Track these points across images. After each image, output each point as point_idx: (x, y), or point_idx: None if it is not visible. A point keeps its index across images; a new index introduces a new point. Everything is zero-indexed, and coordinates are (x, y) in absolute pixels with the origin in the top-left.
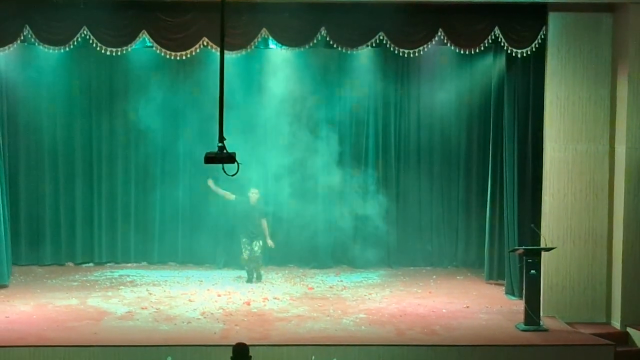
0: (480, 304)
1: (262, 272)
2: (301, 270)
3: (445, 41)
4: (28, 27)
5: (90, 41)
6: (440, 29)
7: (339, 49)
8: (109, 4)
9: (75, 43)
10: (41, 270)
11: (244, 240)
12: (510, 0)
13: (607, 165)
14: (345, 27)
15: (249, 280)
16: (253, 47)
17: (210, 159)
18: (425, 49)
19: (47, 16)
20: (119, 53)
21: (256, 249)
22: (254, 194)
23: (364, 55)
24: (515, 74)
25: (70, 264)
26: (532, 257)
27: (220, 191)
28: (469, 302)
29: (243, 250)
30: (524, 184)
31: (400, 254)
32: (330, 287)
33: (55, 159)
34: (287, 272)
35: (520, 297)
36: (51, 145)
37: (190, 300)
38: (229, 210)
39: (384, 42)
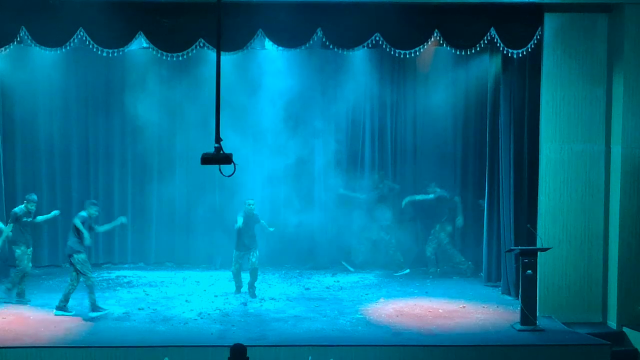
0: (477, 304)
1: (256, 287)
2: (298, 271)
3: (441, 42)
4: (24, 29)
5: (87, 42)
6: (436, 30)
7: (335, 49)
8: (105, 5)
9: (72, 44)
10: (38, 272)
11: (236, 253)
12: (506, 1)
13: (603, 166)
14: (341, 28)
15: (237, 291)
16: (249, 48)
17: (207, 159)
18: (422, 50)
19: (43, 18)
20: (115, 54)
21: (254, 259)
22: (250, 205)
23: (360, 56)
24: (511, 74)
25: (67, 265)
26: (529, 257)
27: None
28: (465, 302)
29: (234, 263)
30: (520, 184)
31: (398, 254)
32: (327, 288)
33: (52, 162)
34: (283, 272)
35: (517, 297)
36: (48, 147)
37: (187, 301)
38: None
39: (380, 43)
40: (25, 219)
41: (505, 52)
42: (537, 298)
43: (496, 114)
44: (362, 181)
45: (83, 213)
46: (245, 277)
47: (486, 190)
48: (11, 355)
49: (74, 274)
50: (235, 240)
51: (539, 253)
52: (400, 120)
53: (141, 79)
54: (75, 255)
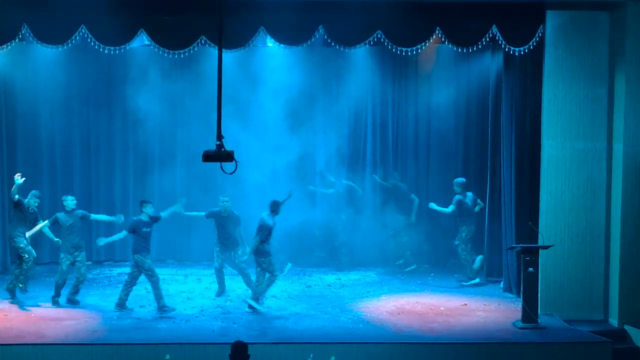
0: (478, 301)
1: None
2: (299, 268)
3: (443, 39)
4: (26, 26)
5: (89, 40)
6: (437, 27)
7: (337, 47)
8: (107, 2)
9: (74, 41)
10: (40, 269)
11: (217, 248)
12: None
13: (604, 163)
14: (343, 26)
15: (219, 294)
16: (251, 45)
17: (208, 157)
18: (423, 48)
19: (45, 15)
20: (116, 51)
21: (237, 261)
22: (224, 202)
23: (361, 53)
24: (513, 72)
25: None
26: (530, 255)
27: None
28: (466, 300)
29: (216, 258)
30: (522, 182)
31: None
32: (328, 285)
33: (53, 157)
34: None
35: (518, 294)
36: (49, 142)
37: (188, 299)
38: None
39: (382, 40)
40: (145, 229)
41: (507, 49)
42: (539, 296)
43: (498, 111)
44: (363, 177)
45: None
46: (238, 279)
47: (488, 188)
48: (13, 352)
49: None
50: (215, 233)
51: (540, 251)
52: (401, 117)
53: (143, 73)
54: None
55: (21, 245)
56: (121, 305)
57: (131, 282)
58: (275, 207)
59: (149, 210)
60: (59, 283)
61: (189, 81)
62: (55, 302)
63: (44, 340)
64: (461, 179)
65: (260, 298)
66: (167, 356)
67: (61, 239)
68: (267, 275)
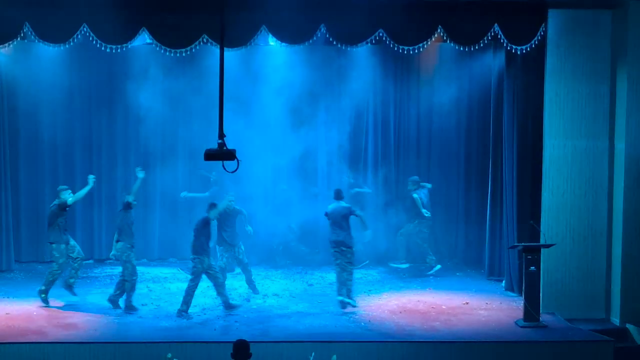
0: (480, 300)
1: (255, 281)
2: (301, 267)
3: (444, 38)
4: (28, 25)
5: (90, 38)
6: (439, 26)
7: (339, 45)
8: (108, 1)
9: (75, 40)
10: (42, 267)
11: (219, 248)
12: None
13: (606, 162)
14: (344, 24)
15: (220, 294)
16: (252, 43)
17: (210, 155)
18: (425, 46)
19: (47, 13)
20: (118, 50)
21: (241, 257)
22: (230, 202)
23: (363, 52)
24: (515, 71)
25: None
26: (532, 253)
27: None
28: (468, 299)
29: (219, 257)
30: (524, 180)
31: (400, 251)
32: (330, 284)
33: (55, 155)
34: (286, 268)
35: (520, 293)
36: (51, 141)
37: None
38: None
39: (384, 39)
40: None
41: (509, 48)
42: (541, 294)
43: (499, 110)
44: (365, 175)
45: None
46: (240, 277)
47: (489, 186)
48: (15, 351)
49: (345, 265)
50: (215, 233)
51: (542, 249)
52: (403, 116)
53: (144, 71)
54: (347, 248)
55: (57, 255)
56: (227, 304)
57: (218, 282)
58: (341, 194)
59: (213, 214)
60: (130, 285)
61: (191, 78)
62: (132, 308)
63: (45, 338)
64: (416, 177)
65: (351, 294)
66: (169, 355)
67: (126, 236)
68: (344, 269)
